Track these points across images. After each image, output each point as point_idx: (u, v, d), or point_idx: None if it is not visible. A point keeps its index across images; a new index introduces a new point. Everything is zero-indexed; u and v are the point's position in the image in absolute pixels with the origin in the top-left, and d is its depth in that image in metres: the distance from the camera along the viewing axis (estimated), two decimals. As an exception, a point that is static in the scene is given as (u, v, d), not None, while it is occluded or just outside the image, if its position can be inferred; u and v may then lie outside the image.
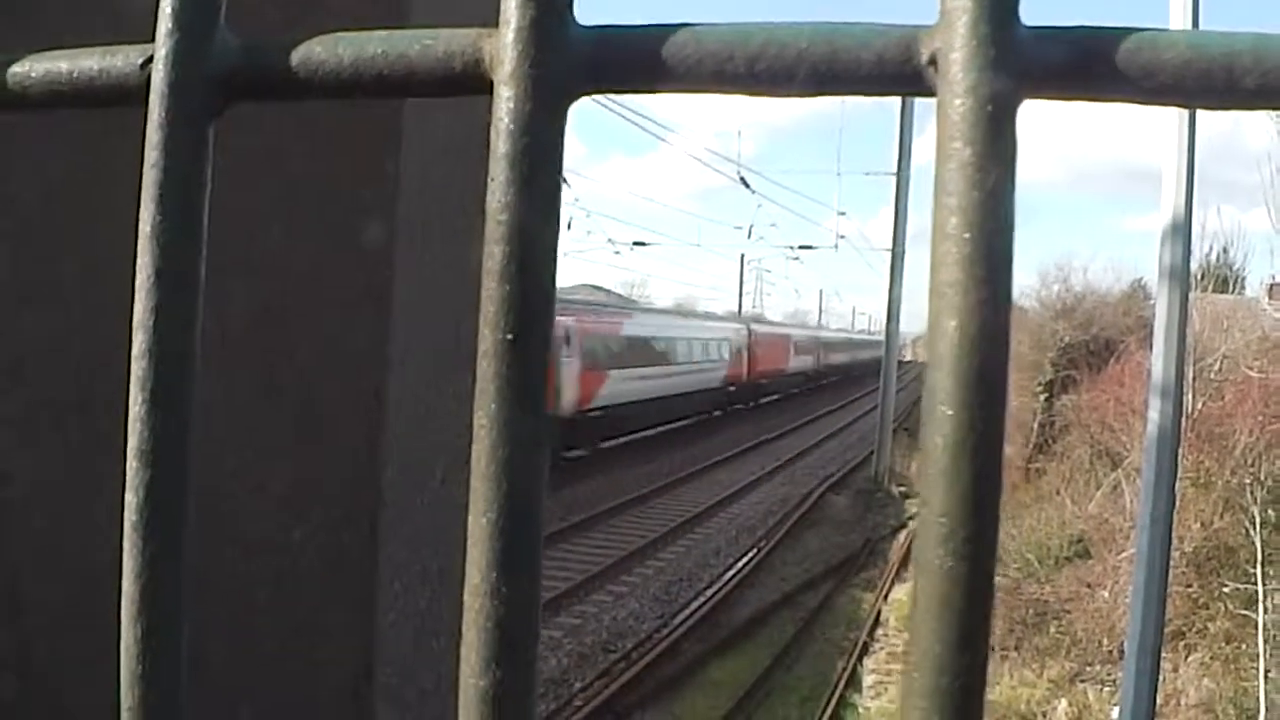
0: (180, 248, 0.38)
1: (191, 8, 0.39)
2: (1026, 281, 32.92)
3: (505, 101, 0.34)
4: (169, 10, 0.39)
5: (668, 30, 0.34)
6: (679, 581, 19.34)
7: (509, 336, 0.34)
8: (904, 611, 19.37)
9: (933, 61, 0.31)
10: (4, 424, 1.32)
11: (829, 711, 14.75)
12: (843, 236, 61.15)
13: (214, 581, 1.30)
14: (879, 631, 18.48)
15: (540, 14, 0.34)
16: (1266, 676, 16.53)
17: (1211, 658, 17.57)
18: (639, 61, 0.34)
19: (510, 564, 0.34)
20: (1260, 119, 20.97)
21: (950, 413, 0.29)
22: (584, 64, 0.35)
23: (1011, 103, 0.30)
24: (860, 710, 15.55)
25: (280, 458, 1.30)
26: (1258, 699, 16.31)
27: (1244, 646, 17.46)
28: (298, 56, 0.38)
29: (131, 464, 0.40)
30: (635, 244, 64.08)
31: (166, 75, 0.38)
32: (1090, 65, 0.31)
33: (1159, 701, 15.17)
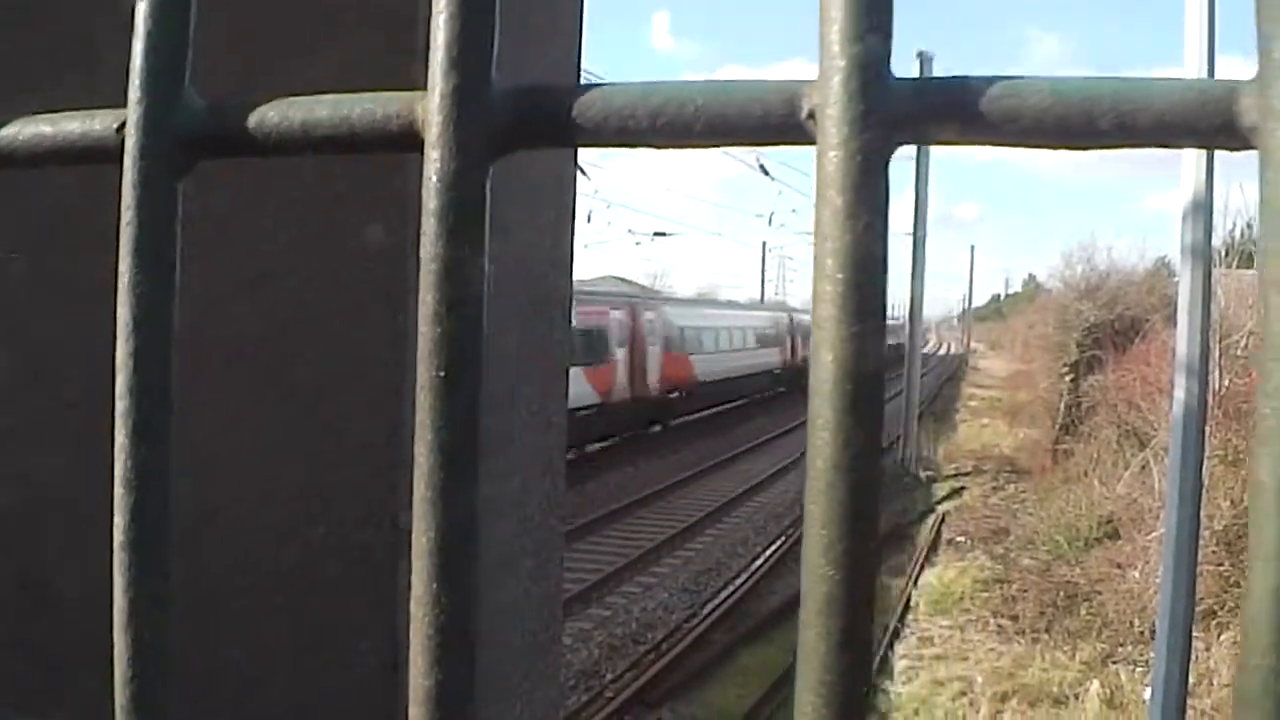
0: (154, 298, 0.42)
1: (158, 73, 0.42)
2: (1051, 263, 32.71)
3: (432, 162, 0.37)
4: (138, 76, 0.42)
5: (580, 90, 0.37)
6: (707, 571, 19.37)
7: (441, 373, 0.38)
8: (934, 596, 19.40)
9: (811, 115, 0.34)
10: (25, 425, 1.36)
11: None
12: (864, 221, 60.80)
13: (238, 580, 1.34)
14: (909, 617, 18.48)
15: (463, 80, 0.37)
16: (1300, 654, 16.44)
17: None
18: (555, 120, 0.37)
19: (449, 577, 0.38)
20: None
21: (828, 436, 0.32)
22: (504, 125, 0.38)
23: (882, 153, 0.33)
24: (892, 695, 15.56)
25: (302, 458, 1.33)
26: (1291, 676, 16.21)
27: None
28: (254, 119, 0.42)
29: (118, 490, 0.44)
30: (656, 234, 64.19)
31: (137, 138, 0.42)
32: (957, 113, 0.34)
33: (1192, 681, 15.11)
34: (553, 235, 1.64)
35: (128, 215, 0.42)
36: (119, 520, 0.44)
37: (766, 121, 0.35)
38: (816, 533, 0.32)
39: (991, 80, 0.34)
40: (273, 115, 0.41)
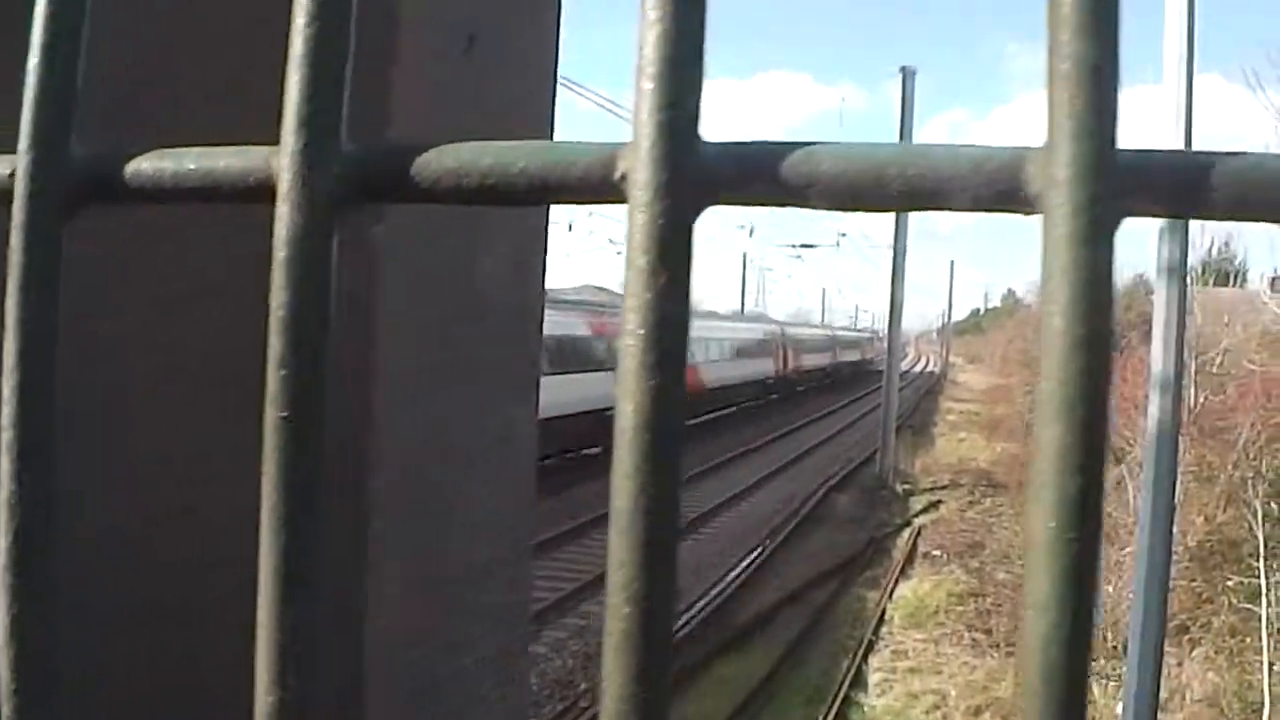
0: (38, 335, 0.44)
1: (46, 123, 0.45)
2: (1030, 278, 32.90)
3: (281, 216, 0.40)
4: (27, 125, 0.45)
5: (419, 150, 0.39)
6: (683, 581, 19.37)
7: (284, 414, 0.40)
8: (909, 610, 19.46)
9: (624, 177, 0.36)
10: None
11: (834, 710, 14.79)
12: (844, 235, 61.31)
13: (199, 595, 1.36)
14: (884, 630, 18.53)
15: (311, 139, 0.40)
16: (1271, 670, 16.55)
17: (1216, 652, 17.60)
18: (395, 178, 0.40)
19: (289, 597, 0.40)
20: (1261, 113, 20.92)
21: (630, 482, 0.35)
22: (352, 182, 0.40)
23: (686, 216, 0.36)
24: (866, 709, 15.60)
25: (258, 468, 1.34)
26: (1262, 692, 16.33)
27: (1248, 640, 17.49)
28: (131, 169, 0.44)
29: (1, 513, 0.46)
30: (637, 244, 64.25)
31: (25, 184, 0.44)
32: (760, 177, 0.36)
33: (1164, 696, 15.19)
34: (523, 245, 1.65)
35: (15, 258, 0.44)
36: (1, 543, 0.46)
37: (585, 182, 0.37)
38: (615, 572, 0.35)
39: (793, 146, 0.36)
40: (146, 166, 0.43)
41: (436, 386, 1.45)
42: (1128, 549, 18.32)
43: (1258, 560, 18.02)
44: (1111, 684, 16.23)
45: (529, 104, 1.70)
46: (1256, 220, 0.33)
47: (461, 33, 1.39)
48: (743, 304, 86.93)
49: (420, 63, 1.32)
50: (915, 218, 33.94)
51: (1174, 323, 10.18)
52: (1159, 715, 11.80)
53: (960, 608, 19.75)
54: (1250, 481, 18.87)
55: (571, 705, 13.86)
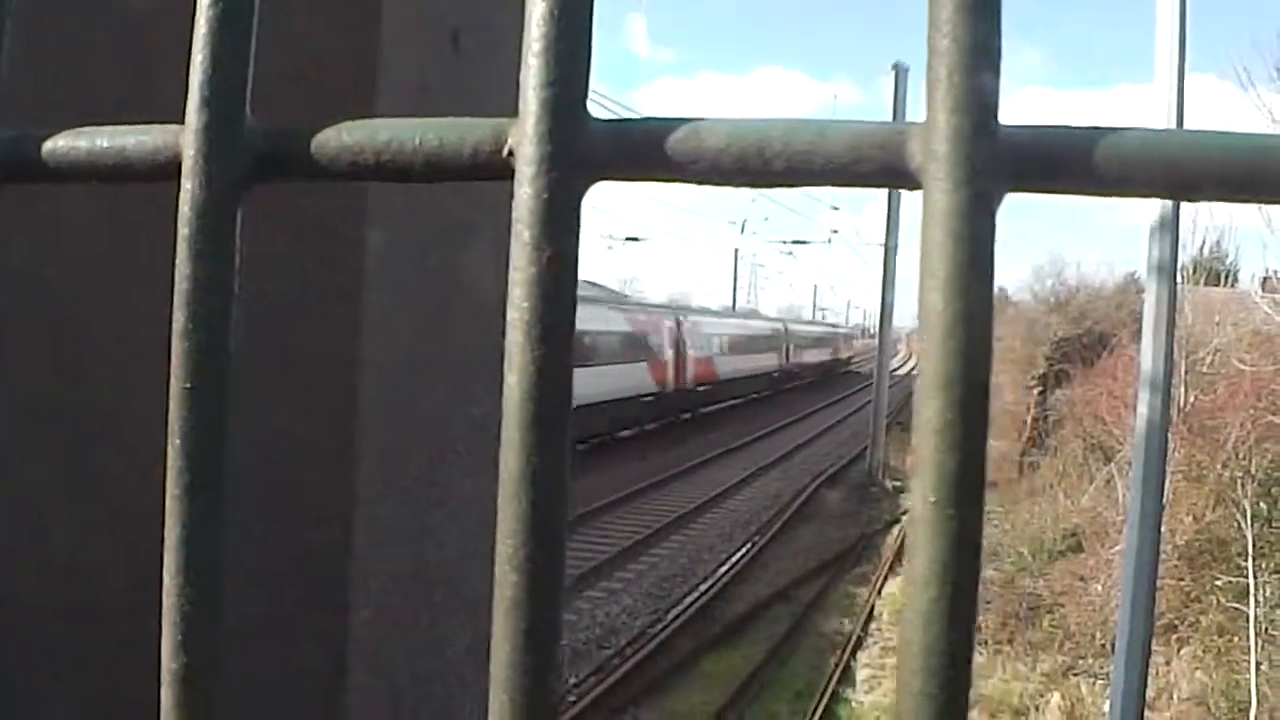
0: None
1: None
2: (1021, 275, 33.02)
3: (185, 191, 0.40)
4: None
5: (316, 130, 0.39)
6: (673, 577, 19.41)
7: (188, 385, 0.40)
8: (898, 606, 19.44)
9: (511, 153, 0.36)
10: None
11: (822, 706, 14.80)
12: (835, 231, 61.37)
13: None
14: (872, 625, 18.54)
15: (214, 118, 0.40)
16: (1258, 669, 16.57)
17: (1204, 650, 17.62)
18: (294, 156, 0.40)
19: (189, 568, 0.40)
20: (1250, 110, 20.97)
21: (516, 454, 0.35)
22: (250, 160, 0.40)
23: (572, 190, 0.36)
24: (854, 705, 15.61)
25: (250, 459, 1.33)
26: (1249, 691, 16.35)
27: (1236, 639, 17.50)
28: (49, 147, 0.44)
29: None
30: (629, 239, 64.36)
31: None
32: (646, 154, 0.36)
33: (1152, 695, 15.21)
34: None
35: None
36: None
37: (476, 159, 0.37)
38: (504, 541, 0.35)
39: (679, 122, 0.36)
40: (62, 144, 0.43)
41: (419, 379, 1.45)
42: (1117, 547, 18.35)
43: (1246, 560, 18.03)
44: (1100, 682, 16.25)
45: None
46: (1138, 196, 0.33)
47: (446, 28, 1.38)
48: (734, 299, 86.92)
49: (405, 59, 1.32)
50: (906, 214, 33.97)
51: (1163, 321, 10.19)
52: (1146, 713, 11.81)
53: (949, 605, 19.75)
54: (1239, 481, 18.88)
55: (558, 700, 13.83)
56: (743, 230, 71.16)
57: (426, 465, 1.44)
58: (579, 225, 0.36)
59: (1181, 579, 18.74)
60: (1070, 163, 0.33)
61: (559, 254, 0.35)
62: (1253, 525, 18.23)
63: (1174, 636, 17.93)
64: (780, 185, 0.36)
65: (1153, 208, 10.33)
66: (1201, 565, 18.89)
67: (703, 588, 18.90)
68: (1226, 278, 27.30)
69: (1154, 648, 15.34)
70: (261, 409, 1.33)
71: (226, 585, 0.42)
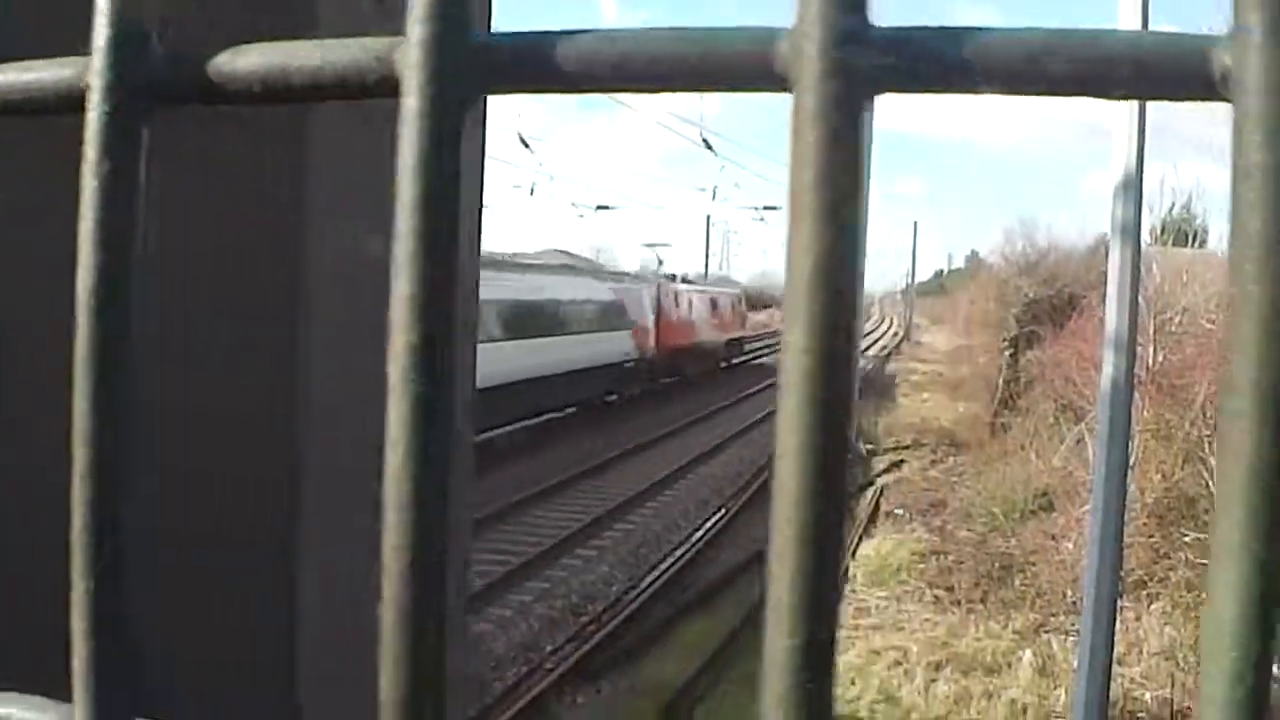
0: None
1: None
2: (993, 239, 33.08)
3: (89, 124, 0.40)
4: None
5: (214, 53, 0.40)
6: (647, 544, 19.46)
7: (95, 324, 0.40)
8: (871, 568, 19.58)
9: (397, 68, 0.37)
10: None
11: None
12: (808, 197, 61.08)
13: (141, 540, 1.35)
14: (846, 588, 18.64)
15: (118, 43, 0.40)
16: (1226, 623, 16.71)
17: (1173, 606, 17.78)
18: (199, 80, 0.40)
19: (84, 556, 0.41)
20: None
21: (404, 386, 0.35)
22: (157, 88, 0.40)
23: (459, 103, 0.36)
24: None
25: (195, 453, 1.33)
26: (1218, 646, 16.49)
27: (1203, 595, 17.64)
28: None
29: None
30: (599, 208, 64.22)
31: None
32: (532, 64, 0.36)
33: (1122, 650, 15.34)
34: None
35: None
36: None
37: (365, 78, 0.37)
38: (390, 488, 0.36)
39: (564, 34, 0.36)
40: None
41: (364, 350, 1.44)
42: (1087, 506, 18.47)
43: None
44: (1070, 639, 16.39)
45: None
46: (1000, 93, 0.34)
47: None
48: (706, 267, 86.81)
49: (335, 19, 1.31)
50: (878, 179, 33.93)
51: (1128, 281, 10.23)
52: (1117, 668, 11.92)
53: (922, 565, 19.89)
54: (1207, 439, 19.03)
55: (535, 668, 13.90)
56: (714, 197, 71.09)
57: (375, 457, 1.45)
58: (460, 140, 0.36)
59: (1151, 536, 18.91)
60: (939, 62, 0.34)
61: (443, 169, 0.35)
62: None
63: (1144, 593, 18.09)
64: (661, 90, 0.37)
65: (1118, 169, 10.36)
66: (1171, 522, 19.06)
67: (677, 554, 18.97)
68: (1195, 238, 27.46)
69: (1124, 604, 15.48)
70: (200, 405, 1.32)
71: (159, 553, 0.42)
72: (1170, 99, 0.34)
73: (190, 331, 1.33)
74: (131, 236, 0.41)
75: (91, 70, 0.41)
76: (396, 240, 0.36)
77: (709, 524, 20.90)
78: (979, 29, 0.35)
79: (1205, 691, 0.33)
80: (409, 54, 0.36)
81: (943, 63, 0.35)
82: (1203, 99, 0.33)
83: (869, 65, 0.34)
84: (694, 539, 19.93)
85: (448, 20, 0.36)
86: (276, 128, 1.29)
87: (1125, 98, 0.34)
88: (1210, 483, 18.45)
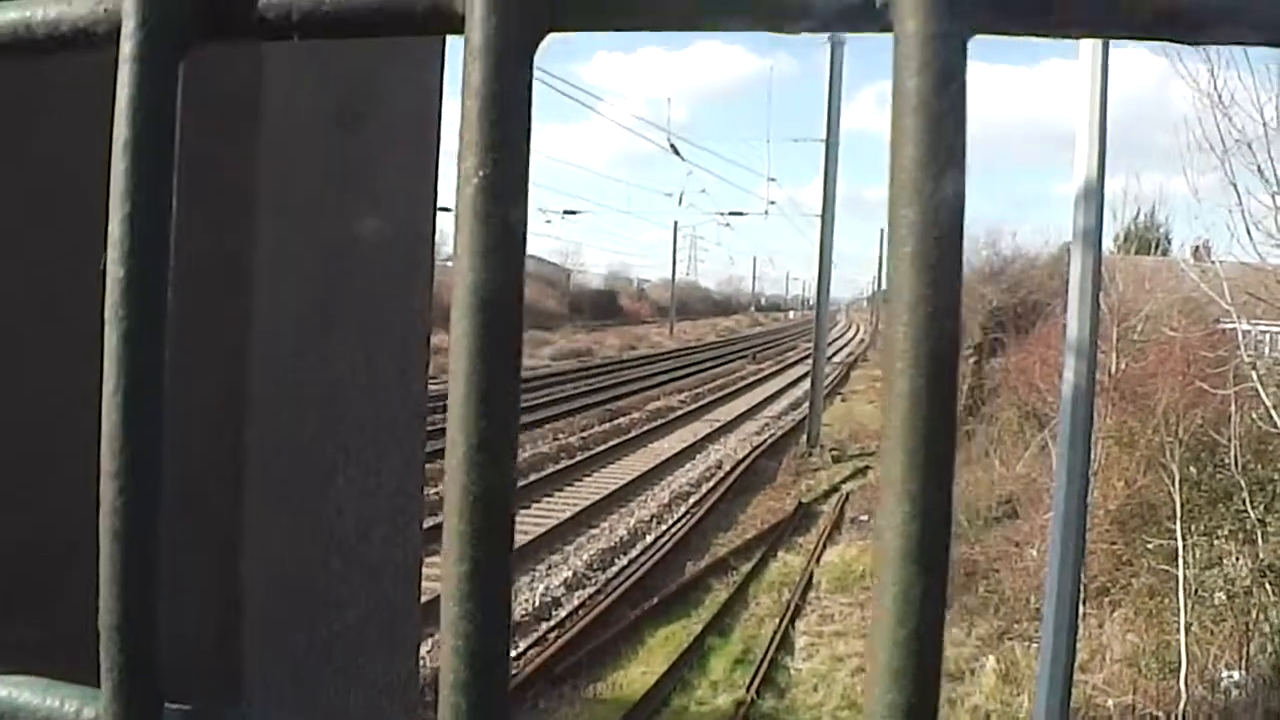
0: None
1: None
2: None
3: (124, 57, 0.38)
4: None
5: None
6: (613, 549, 19.44)
7: (125, 266, 0.38)
8: (835, 574, 19.62)
9: (463, 5, 0.35)
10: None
11: (761, 673, 14.91)
12: (773, 202, 61.47)
13: (86, 530, 1.32)
14: (810, 594, 18.68)
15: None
16: (1188, 630, 16.88)
17: (1135, 613, 17.92)
18: (239, 10, 0.38)
19: (114, 546, 0.39)
20: (1178, 82, 21.20)
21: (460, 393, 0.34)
22: (193, 18, 0.38)
23: (526, 39, 0.34)
24: (792, 672, 15.73)
25: None
26: (1179, 652, 16.66)
27: (1166, 601, 17.81)
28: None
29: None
30: (566, 213, 64.29)
31: (137, 17, 0.40)
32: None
33: (1085, 657, 15.46)
34: (412, 191, 1.62)
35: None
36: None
37: (427, 10, 0.35)
38: (450, 514, 0.34)
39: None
40: None
41: (319, 343, 1.42)
42: (1050, 513, 18.60)
43: (1175, 523, 18.34)
44: (1034, 645, 16.49)
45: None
46: (1102, 36, 0.33)
47: None
48: (674, 272, 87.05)
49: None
50: (844, 187, 34.04)
51: (1089, 288, 10.33)
52: (1080, 675, 11.99)
53: (886, 572, 19.95)
54: (1169, 446, 19.18)
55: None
56: (680, 202, 71.23)
57: (326, 428, 1.42)
58: (531, 77, 0.34)
59: (1114, 543, 19.05)
60: (1036, 2, 0.32)
61: (510, 109, 0.33)
62: (1181, 489, 18.53)
63: (1106, 599, 18.23)
64: (746, 28, 0.35)
65: (1078, 176, 10.44)
66: (1133, 529, 19.21)
67: (642, 559, 18.96)
68: (1157, 246, 27.70)
69: (1087, 610, 15.60)
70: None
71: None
72: (1266, 44, 0.33)
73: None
74: (169, 181, 0.38)
75: (125, 3, 0.38)
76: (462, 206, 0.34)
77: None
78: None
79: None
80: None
81: (1039, 3, 0.33)
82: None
83: (970, 2, 0.32)
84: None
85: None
86: (229, 105, 1.26)
87: (1235, 41, 0.33)
88: (1171, 489, 18.64)
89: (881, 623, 0.31)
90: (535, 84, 0.33)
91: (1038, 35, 0.33)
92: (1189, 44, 0.33)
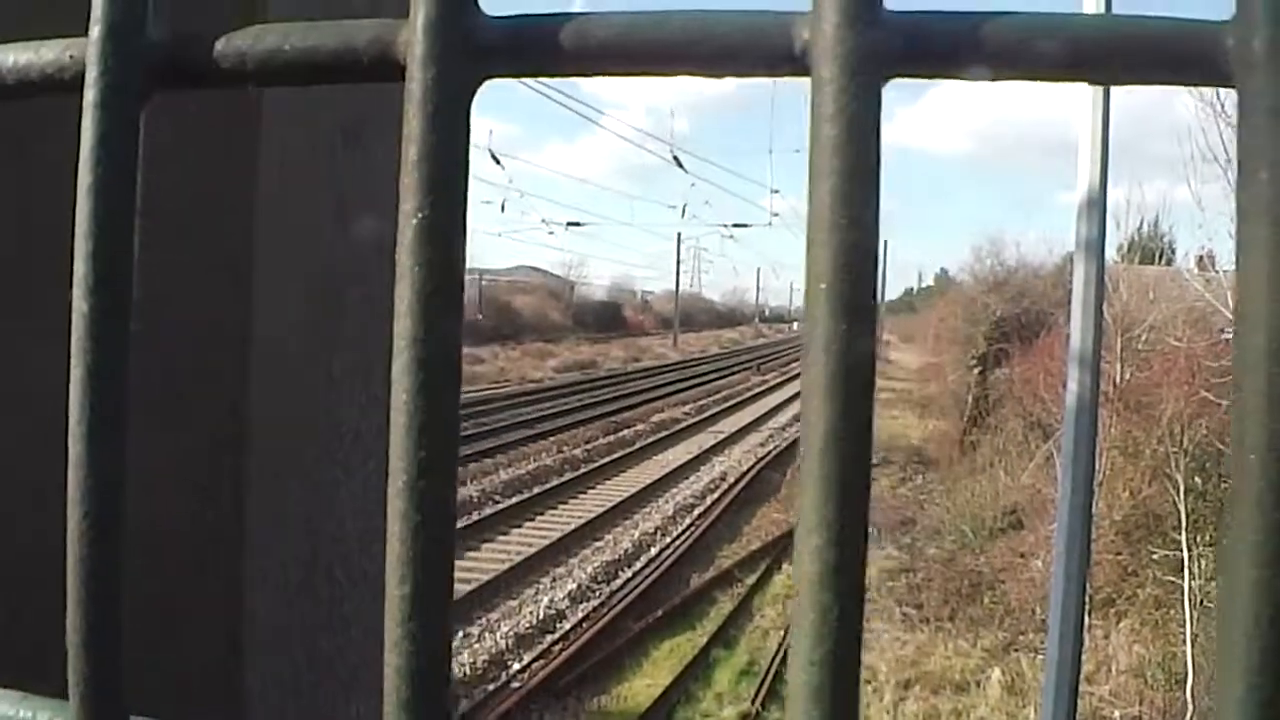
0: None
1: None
2: (961, 258, 33.38)
3: (87, 105, 0.39)
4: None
5: (213, 35, 0.39)
6: (617, 562, 19.43)
7: (87, 305, 0.40)
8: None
9: (402, 52, 0.36)
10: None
11: (766, 685, 14.90)
12: (776, 214, 61.49)
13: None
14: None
15: (117, 24, 0.39)
16: (1194, 641, 16.85)
17: (1141, 624, 17.89)
18: (196, 62, 0.40)
19: (80, 555, 0.40)
20: (1185, 95, 21.22)
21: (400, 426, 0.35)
22: (155, 69, 0.40)
23: (464, 86, 0.36)
24: (797, 683, 15.68)
25: (140, 440, 1.31)
26: (1185, 663, 16.63)
27: (1172, 612, 17.79)
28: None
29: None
30: (570, 224, 64.39)
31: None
32: (540, 46, 0.36)
33: (1091, 668, 15.43)
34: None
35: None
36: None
37: (368, 58, 0.37)
38: (393, 537, 0.35)
39: (572, 16, 0.36)
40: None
41: (315, 359, 1.43)
42: (1055, 524, 18.50)
43: (1180, 533, 18.32)
44: (1039, 656, 16.44)
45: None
46: (1017, 79, 0.34)
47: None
48: (677, 284, 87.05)
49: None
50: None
51: (1092, 298, 10.30)
52: (1086, 686, 11.97)
53: (891, 584, 19.94)
54: (1173, 456, 19.16)
55: (502, 686, 13.86)
56: (683, 214, 71.40)
57: (325, 445, 1.43)
58: (468, 122, 0.36)
59: (1119, 554, 19.03)
60: (952, 45, 0.34)
61: (448, 147, 0.35)
62: (1186, 499, 18.51)
63: (1112, 610, 18.21)
64: (673, 73, 0.36)
65: (1080, 186, 10.43)
66: (1138, 540, 19.19)
67: (647, 572, 18.94)
68: (1161, 256, 27.66)
69: (1093, 621, 15.57)
70: (148, 392, 1.31)
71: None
72: (1178, 83, 0.34)
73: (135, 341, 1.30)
74: (131, 222, 0.40)
75: (87, 51, 0.40)
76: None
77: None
78: (989, 13, 0.35)
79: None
80: (412, 36, 0.36)
81: (955, 46, 0.35)
82: (1210, 84, 0.33)
83: (885, 49, 0.33)
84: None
85: (449, 4, 0.35)
86: (229, 113, 1.27)
87: (1137, 82, 0.34)
88: (1176, 499, 18.60)
89: (800, 643, 0.33)
90: (537, 96, 0.35)
91: (948, 77, 0.34)
92: (1092, 83, 0.34)
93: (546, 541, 19.31)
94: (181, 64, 0.41)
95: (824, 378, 0.33)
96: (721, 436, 32.88)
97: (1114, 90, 10.55)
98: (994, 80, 0.34)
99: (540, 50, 0.36)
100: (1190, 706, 15.82)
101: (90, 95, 0.40)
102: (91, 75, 0.40)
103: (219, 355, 1.30)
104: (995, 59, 0.34)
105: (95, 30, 0.41)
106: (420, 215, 0.35)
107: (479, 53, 0.36)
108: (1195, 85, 0.34)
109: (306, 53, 0.38)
